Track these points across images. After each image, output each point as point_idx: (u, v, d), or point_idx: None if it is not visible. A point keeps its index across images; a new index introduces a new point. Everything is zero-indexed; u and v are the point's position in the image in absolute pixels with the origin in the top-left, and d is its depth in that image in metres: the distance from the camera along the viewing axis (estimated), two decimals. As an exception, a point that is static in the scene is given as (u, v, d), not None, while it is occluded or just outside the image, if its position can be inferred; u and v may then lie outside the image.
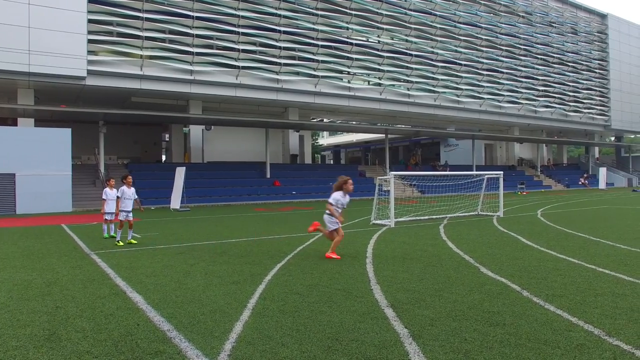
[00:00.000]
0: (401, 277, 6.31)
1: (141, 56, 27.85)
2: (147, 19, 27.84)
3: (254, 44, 31.63)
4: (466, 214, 16.75)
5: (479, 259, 7.59)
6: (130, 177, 10.96)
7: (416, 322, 4.35)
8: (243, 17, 30.81)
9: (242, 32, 30.78)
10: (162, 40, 28.88)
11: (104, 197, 11.75)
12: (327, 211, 8.18)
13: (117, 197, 10.90)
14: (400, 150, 61.93)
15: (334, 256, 7.99)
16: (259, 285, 5.97)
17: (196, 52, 29.49)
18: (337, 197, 8.17)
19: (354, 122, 47.04)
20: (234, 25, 30.60)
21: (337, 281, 6.14)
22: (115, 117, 30.32)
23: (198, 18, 29.37)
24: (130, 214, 10.45)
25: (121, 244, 10.11)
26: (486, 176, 17.40)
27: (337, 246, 8.19)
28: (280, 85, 32.20)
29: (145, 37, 27.93)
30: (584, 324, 4.17)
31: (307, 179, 32.97)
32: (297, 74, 33.13)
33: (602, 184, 42.45)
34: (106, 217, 11.75)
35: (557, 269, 6.69)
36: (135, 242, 10.35)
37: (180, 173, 22.18)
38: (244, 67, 30.91)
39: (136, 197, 10.88)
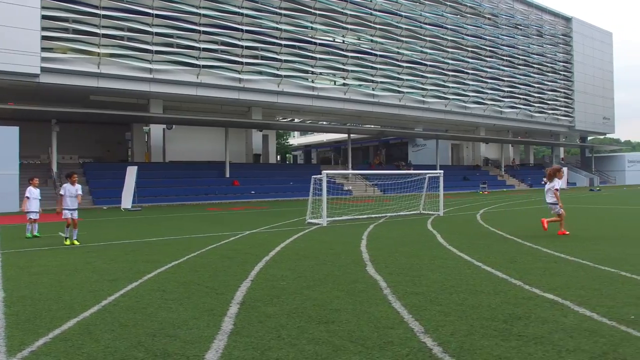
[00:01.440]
0: (278, 275, 6.32)
1: (98, 54, 27.50)
2: (105, 16, 27.51)
3: (215, 42, 31.47)
4: (408, 212, 16.88)
5: (374, 257, 7.65)
6: (75, 175, 10.55)
7: (251, 319, 4.36)
8: (204, 15, 30.65)
9: (203, 31, 30.60)
10: (121, 38, 28.60)
11: (27, 195, 11.56)
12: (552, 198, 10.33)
13: (61, 194, 10.38)
14: (370, 150, 62.31)
15: (566, 232, 10.18)
16: (133, 283, 5.93)
17: (156, 51, 29.24)
18: (554, 184, 10.41)
19: (324, 123, 47.20)
20: (195, 24, 30.41)
21: (214, 278, 6.13)
22: (72, 116, 29.83)
23: (158, 16, 29.11)
24: (75, 213, 10.08)
25: (68, 242, 9.89)
26: (427, 175, 17.56)
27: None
28: (243, 85, 32.11)
29: (103, 34, 27.59)
30: (411, 320, 4.23)
31: (267, 178, 32.93)
32: (260, 73, 33.07)
33: (563, 184, 43.16)
34: (30, 217, 11.55)
35: (443, 267, 6.77)
36: (78, 243, 9.97)
37: (131, 172, 21.95)
38: (205, 66, 30.75)
39: (79, 193, 10.40)
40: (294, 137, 72.98)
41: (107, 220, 16.46)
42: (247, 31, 32.16)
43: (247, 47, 32.29)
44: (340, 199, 22.84)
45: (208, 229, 12.70)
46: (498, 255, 7.65)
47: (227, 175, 31.90)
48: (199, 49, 30.41)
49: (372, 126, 47.19)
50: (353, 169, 41.25)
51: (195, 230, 12.43)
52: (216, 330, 4.03)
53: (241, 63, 31.96)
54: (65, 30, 27.02)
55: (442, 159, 50.29)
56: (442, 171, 16.92)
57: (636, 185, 56.57)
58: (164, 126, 33.73)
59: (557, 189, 10.28)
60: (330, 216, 14.92)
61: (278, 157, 69.40)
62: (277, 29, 33.45)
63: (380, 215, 16.07)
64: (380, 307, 4.69)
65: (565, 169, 45.27)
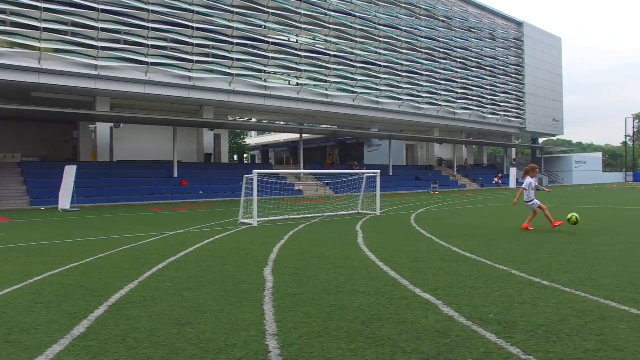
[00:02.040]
0: (170, 276, 6.18)
1: (39, 49, 26.56)
2: (46, 9, 26.57)
3: (165, 39, 30.87)
4: (346, 212, 16.93)
5: (280, 258, 7.60)
6: None
7: (108, 322, 4.22)
8: (153, 11, 30.02)
9: (152, 27, 29.97)
10: (64, 32, 27.70)
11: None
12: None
13: None
14: (328, 151, 62.47)
15: (557, 223, 10.71)
16: (14, 286, 5.69)
17: (102, 47, 28.43)
18: (529, 181, 11.02)
19: (281, 123, 47.02)
20: (143, 20, 29.75)
21: (102, 281, 5.95)
22: (11, 113, 28.76)
23: (104, 11, 28.34)
24: None
25: None
26: (365, 175, 17.65)
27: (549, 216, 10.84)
28: (193, 83, 31.60)
29: (44, 28, 26.64)
30: (270, 322, 4.18)
31: (217, 178, 32.52)
32: (212, 71, 32.63)
33: (512, 184, 44.31)
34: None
35: (342, 267, 6.75)
36: None
37: (69, 172, 21.27)
38: (154, 64, 30.11)
39: None
40: (251, 136, 72.48)
41: (38, 222, 15.88)
42: (198, 29, 31.69)
43: (198, 45, 31.81)
44: (289, 199, 22.78)
45: (136, 230, 12.40)
46: (405, 255, 7.70)
47: (176, 175, 31.35)
48: (147, 46, 29.78)
49: (329, 126, 47.31)
50: (307, 169, 41.24)
51: (123, 231, 12.12)
52: (63, 335, 3.88)
53: (192, 61, 31.46)
54: (3, 23, 26.00)
55: (397, 159, 50.92)
56: (379, 171, 17.01)
57: (580, 185, 58.63)
58: (112, 125, 32.89)
59: (524, 188, 11.14)
60: (266, 216, 14.84)
61: (235, 156, 68.92)
62: (229, 27, 33.07)
63: (317, 215, 16.06)
64: (249, 308, 4.62)
65: (514, 169, 46.70)
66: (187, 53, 31.33)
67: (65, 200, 21.25)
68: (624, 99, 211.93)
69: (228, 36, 33.11)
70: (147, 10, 29.71)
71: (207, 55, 32.45)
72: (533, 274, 6.10)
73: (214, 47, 32.58)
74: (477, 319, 4.19)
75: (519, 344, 3.57)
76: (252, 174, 13.15)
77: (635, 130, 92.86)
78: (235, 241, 9.85)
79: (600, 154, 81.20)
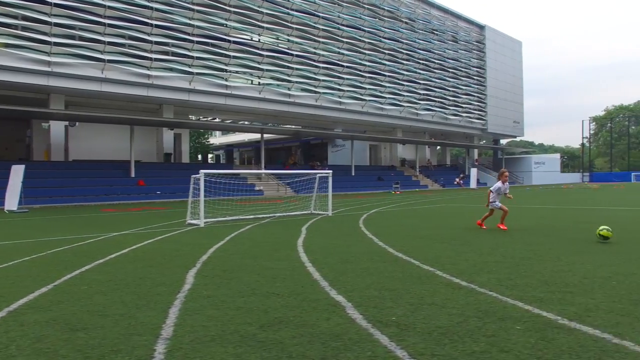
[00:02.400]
0: (89, 279, 6.02)
1: (-13, 44, 25.67)
2: (-4, 4, 25.72)
3: (122, 36, 30.24)
4: (299, 212, 16.91)
5: (210, 260, 7.52)
6: None
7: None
8: (110, 7, 29.36)
9: (108, 24, 29.31)
10: (15, 27, 26.84)
11: None
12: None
13: None
14: (293, 151, 62.39)
15: (502, 227, 11.15)
16: None
17: (55, 42, 27.66)
18: (498, 185, 11.60)
19: (246, 122, 46.69)
20: (99, 16, 29.07)
21: (15, 284, 5.75)
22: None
23: (57, 5, 27.54)
24: None
25: None
26: (317, 175, 17.67)
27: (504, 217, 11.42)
28: (151, 81, 31.05)
29: (-7, 23, 25.77)
30: (169, 326, 4.11)
31: (176, 178, 32.03)
32: (171, 70, 32.15)
33: (473, 184, 45.13)
34: None
35: (268, 269, 6.72)
36: None
37: (17, 172, 20.60)
38: (110, 61, 29.46)
39: None
40: (215, 136, 71.75)
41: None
42: (157, 26, 31.17)
43: (157, 43, 31.28)
44: (247, 200, 22.64)
45: (79, 231, 12.08)
46: (336, 256, 7.70)
47: (133, 174, 30.76)
48: (103, 42, 29.11)
49: (292, 126, 47.24)
50: (269, 169, 41.08)
51: (64, 233, 11.79)
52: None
53: (150, 59, 30.91)
54: (-51, 16, 25.03)
55: (361, 160, 51.25)
56: (330, 171, 17.04)
57: (539, 185, 60.13)
58: (67, 123, 32.03)
59: (490, 190, 11.72)
60: (217, 217, 14.69)
61: (199, 156, 68.10)
62: (189, 25, 32.65)
63: (269, 215, 15.99)
64: (154, 312, 4.53)
65: (475, 170, 47.61)
66: (145, 50, 30.77)
67: (12, 201, 20.58)
68: (587, 101, 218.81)
69: (188, 34, 32.68)
70: (104, 6, 29.04)
71: (166, 53, 31.94)
72: (456, 274, 6.17)
73: (173, 45, 32.10)
74: (378, 321, 4.20)
75: (408, 347, 3.59)
76: (199, 173, 12.97)
77: (592, 132, 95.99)
78: (174, 242, 9.70)
79: (558, 155, 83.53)
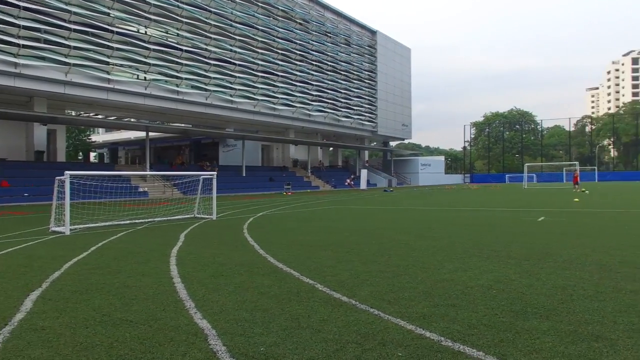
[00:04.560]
0: None
1: None
2: None
3: (-17, 18, 26.92)
4: (182, 216, 15.94)
5: (62, 277, 6.55)
6: None
7: None
8: (-33, -15, 26.01)
9: (-34, 4, 25.96)
10: None
11: None
12: None
13: None
14: (181, 150, 60.07)
15: None
16: None
17: None
18: None
19: (133, 120, 43.97)
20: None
21: None
22: None
23: None
24: None
25: None
26: (202, 177, 16.83)
27: None
28: (19, 70, 27.98)
29: None
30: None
31: (48, 179, 29.12)
32: (43, 59, 29.22)
33: (363, 185, 46.27)
34: None
35: (125, 286, 5.94)
36: None
37: None
38: (-32, 45, 26.11)
39: None
40: (97, 133, 66.87)
41: None
42: (26, 9, 28.14)
43: (26, 27, 28.24)
44: (130, 202, 21.09)
45: None
46: (210, 268, 7.06)
47: (-4, 174, 27.58)
48: (-40, 24, 25.72)
49: (181, 125, 45.29)
50: (156, 168, 39.00)
51: None
52: None
53: (18, 45, 27.83)
54: None
55: (252, 160, 50.52)
56: (215, 173, 16.24)
57: (425, 186, 63.44)
58: None
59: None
60: (88, 222, 13.32)
61: (80, 155, 63.25)
62: (65, 10, 29.88)
63: (147, 220, 14.85)
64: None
65: (365, 171, 48.86)
66: (11, 35, 27.65)
67: None
68: (473, 106, 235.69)
69: (65, 21, 29.93)
70: (-40, -16, 25.67)
71: (37, 39, 28.97)
72: (336, 287, 5.80)
73: (46, 32, 29.20)
74: (243, 354, 3.67)
75: (272, 387, 3.10)
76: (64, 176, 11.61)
77: (472, 137, 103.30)
78: (26, 256, 8.44)
79: (443, 157, 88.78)
